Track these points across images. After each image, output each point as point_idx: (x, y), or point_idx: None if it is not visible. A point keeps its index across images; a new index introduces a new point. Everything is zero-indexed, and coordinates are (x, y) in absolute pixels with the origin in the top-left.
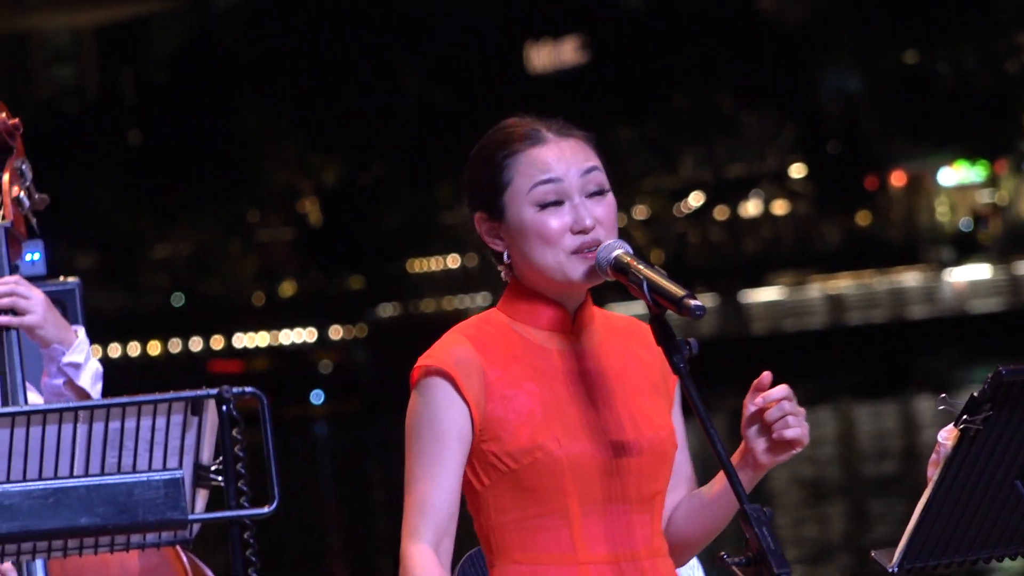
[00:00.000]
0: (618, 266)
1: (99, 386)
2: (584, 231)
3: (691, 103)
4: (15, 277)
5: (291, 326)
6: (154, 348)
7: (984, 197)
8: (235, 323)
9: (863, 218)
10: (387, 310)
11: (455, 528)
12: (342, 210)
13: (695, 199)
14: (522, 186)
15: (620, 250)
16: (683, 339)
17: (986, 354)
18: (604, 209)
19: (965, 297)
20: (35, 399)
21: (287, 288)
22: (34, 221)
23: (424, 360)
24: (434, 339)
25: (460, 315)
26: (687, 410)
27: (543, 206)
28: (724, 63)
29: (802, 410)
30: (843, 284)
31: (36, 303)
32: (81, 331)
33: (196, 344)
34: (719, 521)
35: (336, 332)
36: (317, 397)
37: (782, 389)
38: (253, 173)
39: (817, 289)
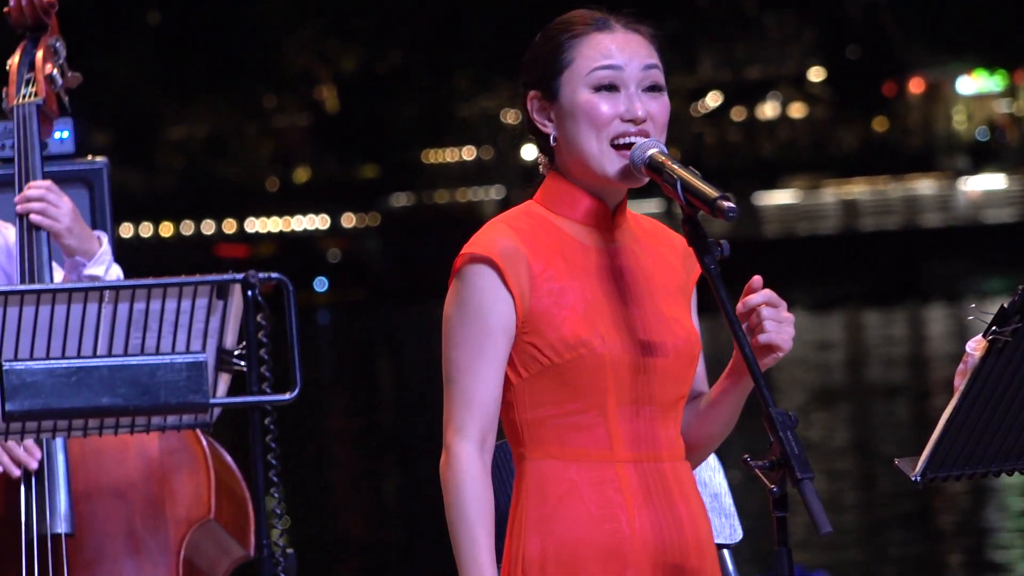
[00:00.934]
0: (653, 165)
1: None
2: (635, 120)
3: (712, 2)
4: (47, 183)
5: (303, 212)
6: (166, 229)
7: (1002, 107)
8: (248, 207)
9: (880, 124)
10: (400, 199)
11: (497, 424)
12: (359, 98)
13: (712, 99)
14: (582, 68)
15: (655, 149)
16: (715, 240)
17: (998, 264)
18: (659, 106)
19: (979, 206)
20: (58, 277)
21: (301, 174)
22: (66, 99)
23: (469, 248)
24: (446, 230)
25: (473, 207)
26: (714, 310)
27: (598, 88)
28: None
29: (788, 316)
30: (857, 190)
31: (65, 211)
32: (104, 239)
33: (208, 227)
34: (726, 422)
35: (348, 220)
36: (320, 284)
37: (763, 295)
38: (271, 57)
39: (831, 194)
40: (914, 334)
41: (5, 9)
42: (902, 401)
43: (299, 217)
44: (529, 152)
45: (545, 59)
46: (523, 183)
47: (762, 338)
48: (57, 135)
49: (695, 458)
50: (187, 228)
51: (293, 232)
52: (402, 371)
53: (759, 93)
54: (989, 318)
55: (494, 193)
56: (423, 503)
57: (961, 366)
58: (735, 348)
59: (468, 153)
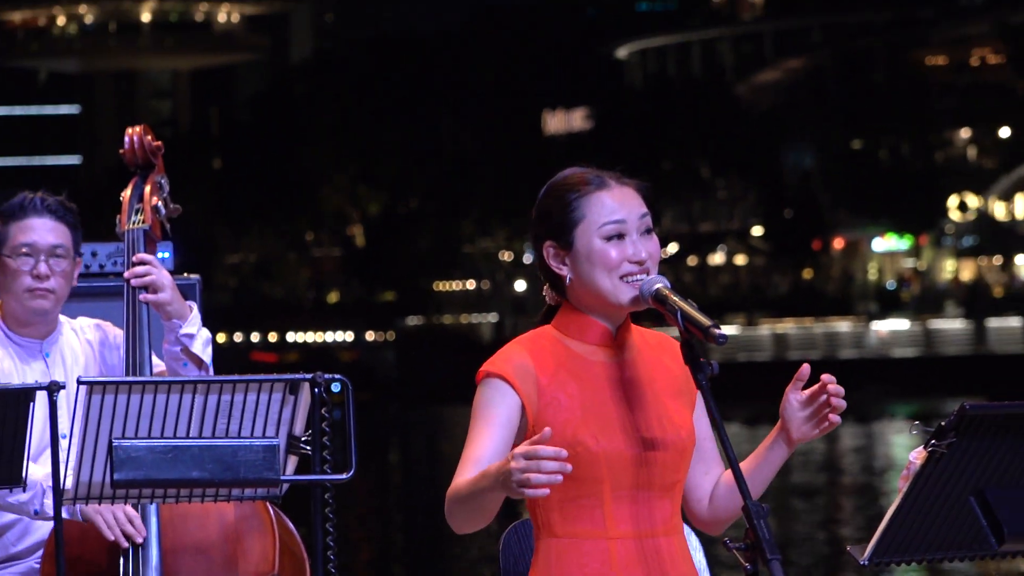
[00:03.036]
0: (658, 297)
1: (209, 349)
2: (639, 262)
3: (675, 168)
4: (152, 257)
5: (333, 328)
6: (220, 337)
7: (908, 263)
8: (287, 322)
9: (807, 273)
10: (413, 320)
11: None
12: (383, 235)
13: (671, 248)
14: (593, 223)
15: (660, 284)
16: (706, 361)
17: (902, 393)
18: (654, 246)
19: (887, 344)
20: (155, 363)
21: (332, 296)
22: (168, 226)
23: (487, 366)
24: (451, 347)
25: (473, 329)
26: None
27: (608, 238)
28: (704, 137)
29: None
30: (788, 326)
31: (166, 281)
32: (195, 306)
33: (255, 336)
34: (755, 494)
35: (369, 335)
36: (335, 386)
37: (837, 387)
38: (311, 199)
39: (766, 329)
40: (829, 448)
41: (121, 151)
42: (820, 500)
43: (329, 332)
44: (519, 285)
45: (558, 216)
46: (514, 310)
47: (833, 417)
48: (160, 255)
49: (724, 526)
50: (238, 337)
51: (324, 343)
52: (409, 457)
53: (709, 244)
54: (927, 433)
55: (490, 318)
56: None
57: (905, 471)
58: (775, 426)
59: (470, 284)
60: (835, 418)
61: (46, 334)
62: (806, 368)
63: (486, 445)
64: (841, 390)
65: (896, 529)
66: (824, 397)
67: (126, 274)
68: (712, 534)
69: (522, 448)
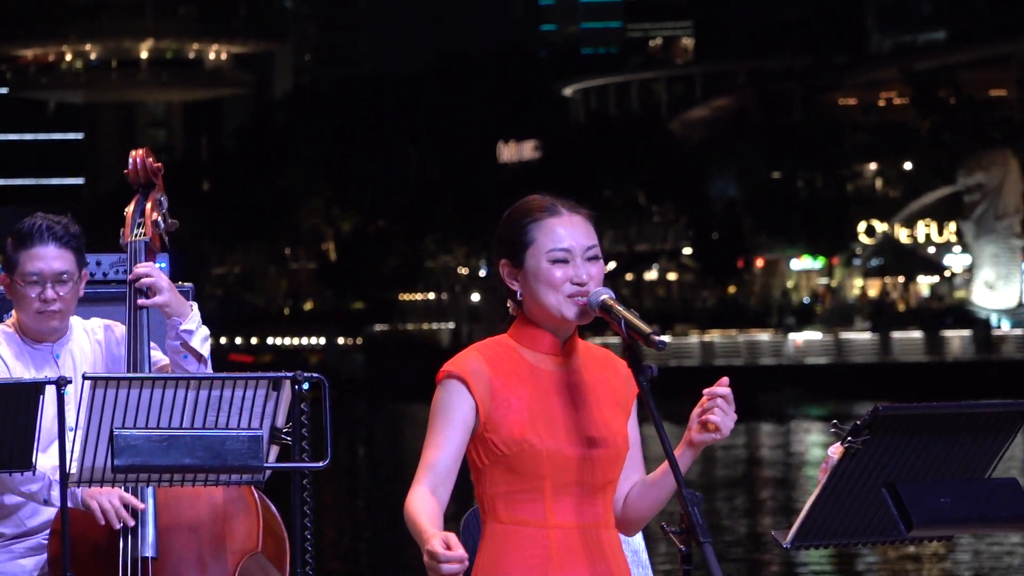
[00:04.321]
0: (604, 307)
1: (208, 344)
2: (580, 284)
3: (614, 195)
4: (152, 265)
5: (308, 334)
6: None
7: (821, 281)
8: (267, 328)
9: (732, 289)
10: (380, 327)
11: (451, 484)
12: (354, 251)
13: (611, 265)
14: (542, 246)
15: (606, 295)
16: (647, 364)
17: (816, 396)
18: (597, 269)
19: (802, 353)
20: (157, 356)
21: (308, 305)
22: (166, 239)
23: (447, 366)
24: (413, 352)
25: (434, 336)
26: (643, 418)
27: (554, 261)
28: (640, 168)
29: (731, 410)
30: (714, 336)
31: (165, 283)
32: (195, 306)
33: (239, 340)
34: (661, 500)
35: (341, 340)
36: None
37: (725, 390)
38: (290, 219)
39: (695, 338)
40: (751, 442)
41: (126, 171)
42: (742, 490)
43: (305, 337)
44: (475, 297)
45: (512, 238)
46: (470, 319)
47: (710, 417)
48: (158, 265)
49: (637, 526)
50: (223, 340)
51: (300, 346)
52: (375, 451)
53: (645, 262)
54: (845, 431)
55: (448, 326)
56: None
57: (824, 464)
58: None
59: (431, 295)
60: (712, 417)
61: (57, 339)
62: (725, 380)
63: (441, 450)
64: (722, 391)
65: (816, 516)
66: (709, 400)
67: (129, 277)
68: (625, 534)
69: (432, 546)
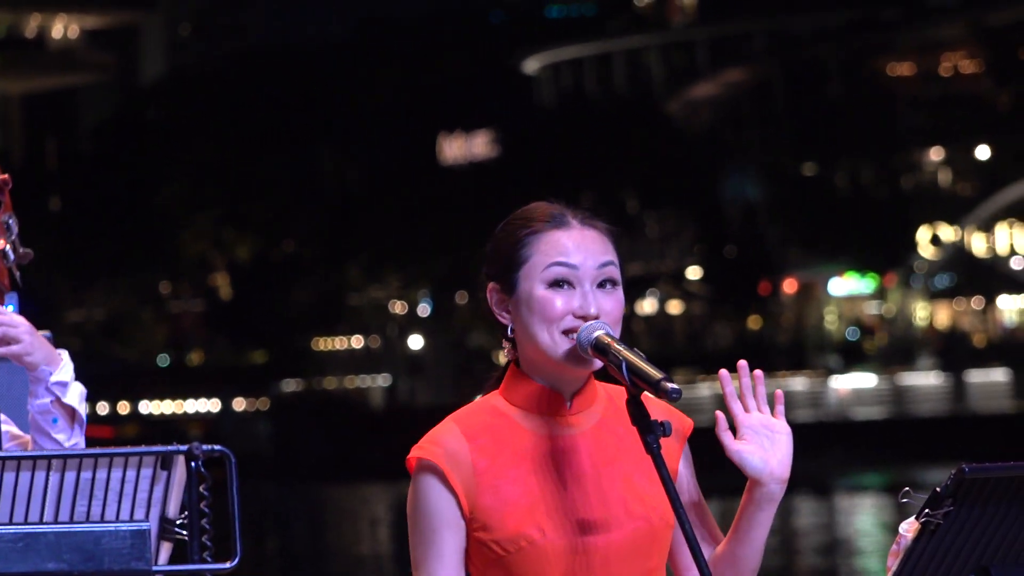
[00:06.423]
0: (598, 346)
1: (85, 405)
2: (585, 317)
3: (596, 200)
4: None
5: (195, 396)
6: None
7: (871, 308)
8: (141, 389)
9: (754, 322)
10: (290, 385)
11: None
12: (253, 286)
13: None
14: (538, 264)
15: (601, 331)
16: (656, 420)
17: (868, 460)
18: (612, 302)
19: (849, 404)
20: (11, 428)
21: (194, 358)
22: (17, 275)
23: (416, 452)
24: (335, 416)
25: (362, 394)
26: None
27: (552, 284)
28: (629, 164)
29: (777, 426)
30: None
31: (24, 329)
32: (65, 353)
33: (102, 408)
34: (750, 561)
35: (239, 404)
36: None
37: (748, 377)
38: (168, 245)
39: (707, 388)
40: (783, 526)
41: None
42: None
43: (191, 400)
44: (415, 341)
45: (505, 253)
46: (410, 372)
47: (743, 451)
48: (7, 308)
49: None
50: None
51: (186, 414)
52: (290, 546)
53: (639, 289)
54: (920, 502)
55: (381, 380)
56: None
57: (894, 547)
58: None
59: (357, 341)
60: (748, 448)
61: None
62: (743, 363)
63: (436, 569)
64: (754, 391)
65: None
66: (754, 401)
67: None
68: None
69: None
